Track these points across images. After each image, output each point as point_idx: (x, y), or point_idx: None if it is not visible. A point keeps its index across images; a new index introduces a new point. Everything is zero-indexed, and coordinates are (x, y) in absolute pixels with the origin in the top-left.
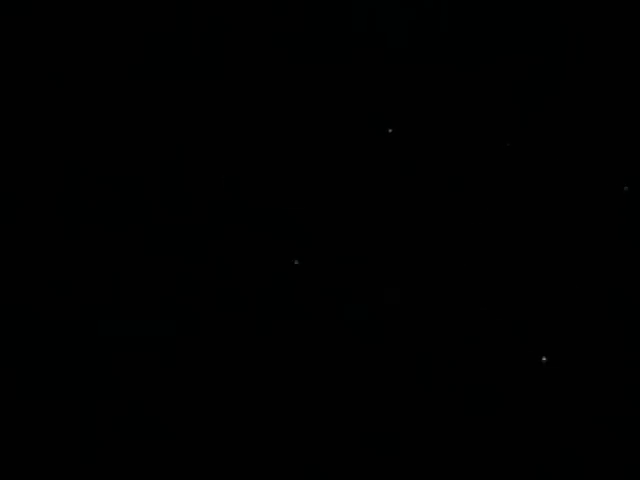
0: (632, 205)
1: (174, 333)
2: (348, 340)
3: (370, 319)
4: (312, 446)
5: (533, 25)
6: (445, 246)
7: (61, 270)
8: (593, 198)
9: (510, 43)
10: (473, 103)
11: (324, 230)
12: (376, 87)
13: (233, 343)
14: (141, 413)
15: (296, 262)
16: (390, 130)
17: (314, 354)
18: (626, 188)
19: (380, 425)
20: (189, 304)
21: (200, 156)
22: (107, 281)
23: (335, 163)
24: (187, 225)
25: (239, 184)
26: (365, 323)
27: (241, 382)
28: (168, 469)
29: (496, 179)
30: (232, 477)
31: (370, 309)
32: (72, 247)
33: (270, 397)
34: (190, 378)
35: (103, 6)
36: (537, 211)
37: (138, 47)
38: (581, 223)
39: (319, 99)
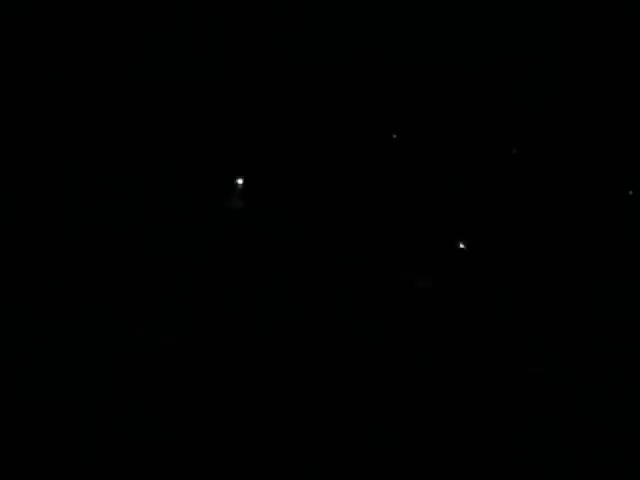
0: (633, 206)
1: (174, 333)
2: (348, 340)
3: (370, 319)
4: (312, 446)
5: (533, 25)
6: (444, 245)
7: (61, 270)
8: (593, 197)
9: (510, 43)
10: (473, 103)
11: (324, 230)
12: (376, 87)
13: (233, 343)
14: (141, 413)
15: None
16: (395, 135)
17: (314, 354)
18: (631, 192)
19: (380, 425)
20: (189, 304)
21: (200, 156)
22: (107, 281)
23: (335, 163)
24: (187, 225)
25: (239, 184)
26: (365, 323)
27: (241, 382)
28: (168, 469)
29: (497, 179)
30: (232, 477)
31: (370, 309)
32: (72, 247)
33: (270, 397)
34: (190, 378)
35: (103, 6)
36: (536, 210)
37: (138, 47)
38: (581, 223)
39: (319, 99)
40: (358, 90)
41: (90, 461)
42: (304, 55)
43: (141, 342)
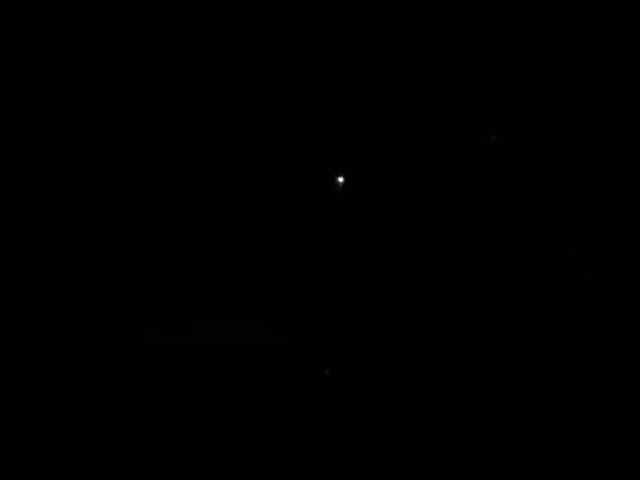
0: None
1: (174, 333)
2: (347, 340)
3: (369, 319)
4: (311, 446)
5: (535, 28)
6: (443, 244)
7: (61, 270)
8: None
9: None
10: (472, 104)
11: (324, 231)
12: (374, 87)
13: (233, 343)
14: (141, 413)
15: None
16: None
17: (314, 354)
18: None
19: (380, 425)
20: (189, 304)
21: (200, 156)
22: (107, 281)
23: (334, 163)
24: (187, 225)
25: (239, 184)
26: (364, 323)
27: (241, 382)
28: (168, 469)
29: (496, 180)
30: (232, 477)
31: (369, 309)
32: (72, 247)
33: (270, 397)
34: (190, 378)
35: (103, 6)
36: (534, 209)
37: (138, 47)
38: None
39: (318, 99)
40: (357, 89)
41: (90, 461)
42: (306, 55)
43: (141, 342)
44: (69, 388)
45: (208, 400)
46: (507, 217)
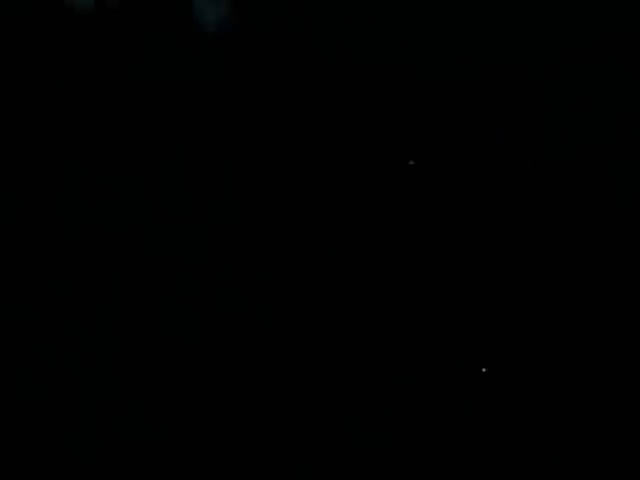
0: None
1: (174, 333)
2: (348, 340)
3: (369, 318)
4: (311, 446)
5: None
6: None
7: (61, 270)
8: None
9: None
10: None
11: (323, 230)
12: (372, 89)
13: (233, 343)
14: (141, 413)
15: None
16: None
17: (314, 354)
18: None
19: (377, 424)
20: (189, 304)
21: (200, 156)
22: (107, 281)
23: (334, 163)
24: (187, 225)
25: (239, 184)
26: (364, 322)
27: (241, 383)
28: (168, 469)
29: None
30: (232, 477)
31: (369, 308)
32: (72, 247)
33: (270, 397)
34: (190, 379)
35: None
36: (533, 213)
37: (138, 47)
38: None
39: (319, 100)
40: (357, 90)
41: (90, 461)
42: (306, 55)
43: (141, 342)
44: (69, 389)
45: (208, 400)
46: (500, 218)
